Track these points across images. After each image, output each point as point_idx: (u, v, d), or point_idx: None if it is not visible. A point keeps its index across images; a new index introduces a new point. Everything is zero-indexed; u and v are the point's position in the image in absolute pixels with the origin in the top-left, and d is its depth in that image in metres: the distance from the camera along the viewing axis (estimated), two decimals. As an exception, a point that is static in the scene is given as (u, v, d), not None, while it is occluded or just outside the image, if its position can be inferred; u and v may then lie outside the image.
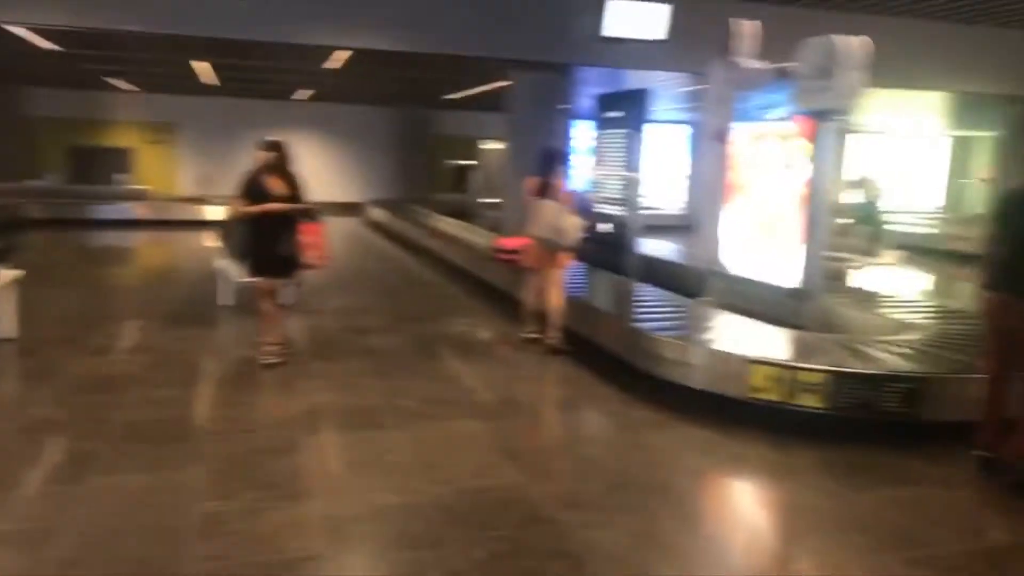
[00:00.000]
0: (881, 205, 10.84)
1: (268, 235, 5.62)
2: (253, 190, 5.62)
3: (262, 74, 15.11)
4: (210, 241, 8.31)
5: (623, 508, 3.63)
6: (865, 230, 9.86)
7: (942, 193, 24.44)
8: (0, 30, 9.82)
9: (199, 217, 16.18)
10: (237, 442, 4.29)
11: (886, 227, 10.29)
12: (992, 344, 4.21)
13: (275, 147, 5.74)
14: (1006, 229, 4.07)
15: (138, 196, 17.77)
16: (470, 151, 18.77)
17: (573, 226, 6.40)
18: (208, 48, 11.61)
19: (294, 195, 5.73)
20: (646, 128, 8.53)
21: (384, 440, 4.41)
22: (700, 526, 3.57)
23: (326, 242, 6.01)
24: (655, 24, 8.57)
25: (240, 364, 5.89)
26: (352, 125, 22.66)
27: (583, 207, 6.73)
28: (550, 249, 6.49)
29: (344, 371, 5.80)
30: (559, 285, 6.56)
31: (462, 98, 17.71)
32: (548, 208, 6.44)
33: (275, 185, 5.63)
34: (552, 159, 6.62)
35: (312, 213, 5.90)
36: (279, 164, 5.71)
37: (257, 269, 5.84)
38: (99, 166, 20.13)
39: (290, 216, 5.68)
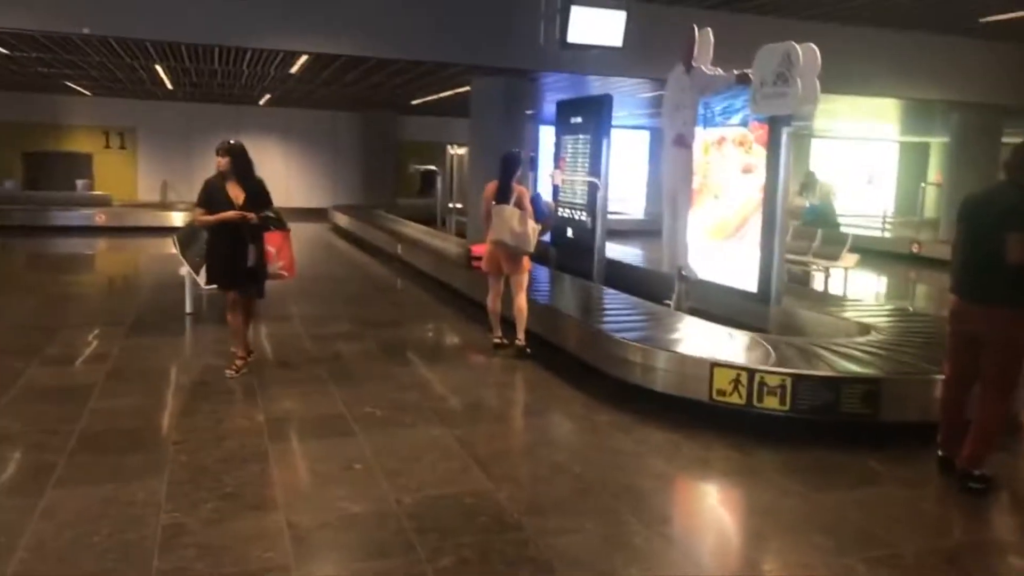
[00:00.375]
0: (834, 207, 11.07)
1: (227, 245, 5.39)
2: (211, 198, 5.37)
3: (221, 79, 14.92)
4: (172, 248, 8.16)
5: (590, 512, 3.65)
6: (819, 232, 10.05)
7: (892, 197, 25.05)
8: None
9: (161, 223, 15.91)
10: (199, 452, 4.22)
11: (841, 229, 10.50)
12: (951, 347, 4.26)
13: (232, 151, 5.40)
14: (966, 234, 4.12)
15: (99, 202, 17.40)
16: (437, 156, 18.73)
17: (533, 230, 6.42)
18: (164, 52, 11.43)
19: (256, 202, 5.46)
20: (608, 133, 8.58)
21: (350, 448, 4.37)
22: (666, 529, 3.60)
23: (293, 252, 5.79)
24: (613, 31, 8.66)
25: (203, 372, 5.81)
26: (316, 130, 22.53)
27: (543, 211, 6.68)
28: (511, 254, 6.50)
29: (310, 378, 5.75)
30: (523, 289, 6.58)
31: (428, 103, 17.67)
32: (507, 212, 6.45)
33: (234, 192, 5.38)
34: (512, 163, 6.56)
35: (277, 221, 5.63)
36: (238, 169, 5.42)
37: (217, 280, 5.66)
38: (58, 171, 19.69)
39: (252, 225, 5.41)
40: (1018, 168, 4.01)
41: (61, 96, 19.43)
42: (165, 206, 18.55)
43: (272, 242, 5.55)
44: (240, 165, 5.42)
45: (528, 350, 6.50)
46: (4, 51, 11.30)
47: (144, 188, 20.97)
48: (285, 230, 5.67)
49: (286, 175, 22.50)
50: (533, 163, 7.01)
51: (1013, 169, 4.04)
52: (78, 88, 17.63)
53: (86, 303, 8.71)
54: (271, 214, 5.59)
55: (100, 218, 16.12)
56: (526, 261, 6.57)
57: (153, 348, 6.50)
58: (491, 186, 6.62)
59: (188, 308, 7.87)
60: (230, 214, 5.30)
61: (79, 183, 18.82)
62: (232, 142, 5.47)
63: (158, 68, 13.44)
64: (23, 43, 10.56)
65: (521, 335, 6.57)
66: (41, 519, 3.38)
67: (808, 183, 11.13)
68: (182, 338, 7.04)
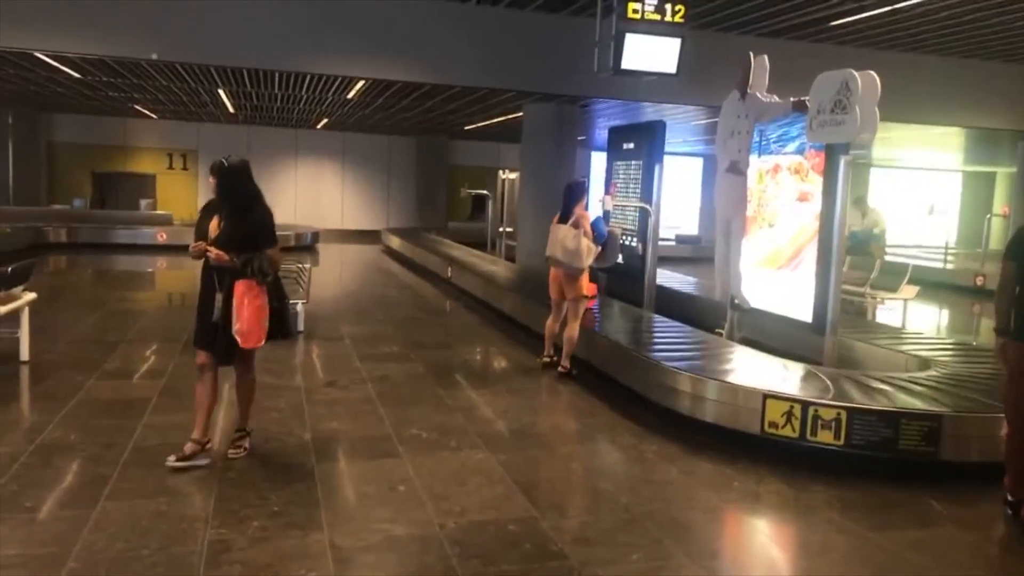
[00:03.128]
0: (879, 236, 10.77)
1: (202, 289, 4.36)
2: (198, 225, 4.36)
3: (281, 103, 15.31)
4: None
5: (636, 544, 3.57)
6: (877, 262, 9.79)
7: (956, 228, 24.36)
8: (28, 58, 10.05)
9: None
10: (247, 469, 4.27)
11: (887, 257, 10.21)
12: (1015, 395, 3.99)
13: (218, 171, 4.29)
14: None
15: (161, 221, 17.95)
16: (488, 180, 18.90)
17: (589, 250, 6.44)
18: (227, 77, 11.79)
19: (240, 238, 4.20)
20: (660, 160, 8.54)
21: (396, 469, 4.37)
22: (714, 564, 3.50)
23: (261, 314, 4.22)
24: (668, 58, 8.64)
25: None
26: (371, 153, 22.94)
27: (601, 232, 6.68)
28: (566, 274, 6.53)
29: (358, 399, 5.79)
30: (578, 317, 6.58)
31: (481, 128, 17.86)
32: (563, 231, 6.53)
33: (216, 222, 4.30)
34: (574, 191, 6.74)
35: (257, 269, 4.18)
36: (222, 193, 4.32)
37: (195, 333, 4.46)
38: (124, 191, 20.43)
39: (224, 269, 4.20)
40: None
41: (128, 119, 20.22)
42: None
43: (237, 294, 4.17)
44: (224, 188, 4.30)
45: (574, 372, 6.56)
46: (77, 75, 11.80)
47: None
48: (261, 282, 4.21)
49: (341, 198, 22.94)
50: (584, 188, 6.99)
51: None
52: (144, 111, 18.30)
53: (145, 319, 8.93)
54: (256, 260, 4.18)
55: (161, 236, 16.60)
56: (585, 288, 6.60)
57: (207, 365, 6.62)
58: (556, 216, 6.77)
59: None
60: (197, 247, 4.22)
61: (143, 203, 19.47)
62: (226, 159, 4.31)
63: (220, 92, 13.87)
64: (95, 68, 11.01)
65: (566, 362, 6.59)
66: (93, 530, 3.45)
67: (856, 202, 10.83)
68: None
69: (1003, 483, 4.10)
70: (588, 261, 6.49)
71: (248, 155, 19.24)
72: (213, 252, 4.15)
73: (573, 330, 6.60)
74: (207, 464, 4.26)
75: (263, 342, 4.29)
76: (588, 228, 6.50)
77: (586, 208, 6.70)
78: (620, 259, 9.12)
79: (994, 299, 4.09)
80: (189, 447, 4.29)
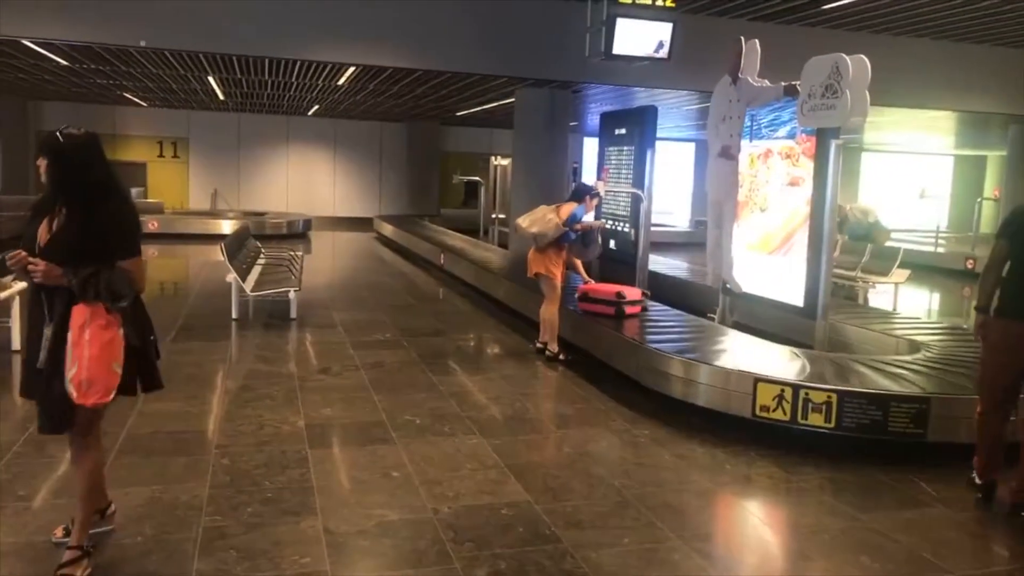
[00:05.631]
0: (879, 221, 10.79)
1: (28, 324, 3.10)
2: (27, 227, 2.99)
3: (271, 90, 15.22)
4: (220, 255, 8.32)
5: (628, 527, 3.60)
6: (868, 247, 9.83)
7: (947, 211, 24.43)
8: (15, 45, 9.96)
9: (211, 231, 16.28)
10: (241, 456, 4.28)
11: (889, 244, 10.26)
12: (994, 374, 3.95)
13: (51, 148, 2.89)
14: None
15: (152, 210, 17.86)
16: (480, 167, 18.89)
17: (552, 224, 6.47)
18: (217, 64, 11.71)
19: (78, 246, 2.85)
20: (652, 145, 8.53)
21: (389, 455, 4.39)
22: (706, 546, 3.53)
23: (108, 350, 2.84)
24: (659, 43, 8.63)
25: (247, 378, 5.90)
26: (363, 140, 22.85)
27: (574, 216, 6.63)
28: (536, 250, 6.65)
29: (352, 385, 5.80)
30: (549, 299, 6.67)
31: (472, 114, 17.81)
32: (542, 209, 6.67)
33: (47, 223, 2.93)
34: (575, 191, 6.89)
35: (99, 286, 2.82)
36: (56, 183, 2.92)
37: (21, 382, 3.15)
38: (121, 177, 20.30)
39: (55, 290, 2.86)
40: None
41: (118, 107, 20.08)
42: (215, 214, 18.96)
43: (75, 323, 2.81)
44: (59, 174, 2.91)
45: (562, 356, 6.60)
46: (65, 63, 11.70)
47: (195, 196, 21.48)
48: (112, 308, 2.85)
49: (333, 185, 22.87)
50: (576, 174, 6.97)
51: None
52: (134, 99, 18.18)
53: (137, 308, 8.91)
54: (104, 276, 2.83)
55: (152, 225, 16.53)
56: (547, 269, 6.62)
57: (199, 353, 6.63)
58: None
59: (234, 314, 8.01)
60: (14, 258, 2.84)
61: (133, 191, 19.35)
62: (62, 131, 2.92)
63: (210, 79, 13.78)
64: (83, 55, 10.92)
65: (553, 345, 6.70)
66: (87, 518, 3.45)
67: (841, 218, 10.74)
68: (227, 343, 7.16)
69: (973, 463, 4.09)
70: (541, 232, 6.51)
71: (239, 143, 18.85)
72: (38, 266, 2.80)
73: (546, 311, 6.70)
74: (111, 530, 3.32)
75: (110, 398, 2.87)
76: (563, 213, 6.56)
77: (582, 203, 6.76)
78: (612, 245, 9.14)
79: (980, 276, 4.09)
80: (59, 531, 3.23)
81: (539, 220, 6.55)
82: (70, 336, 2.80)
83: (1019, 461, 3.85)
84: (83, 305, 2.81)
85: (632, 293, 6.71)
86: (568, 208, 6.59)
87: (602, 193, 9.30)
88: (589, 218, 7.33)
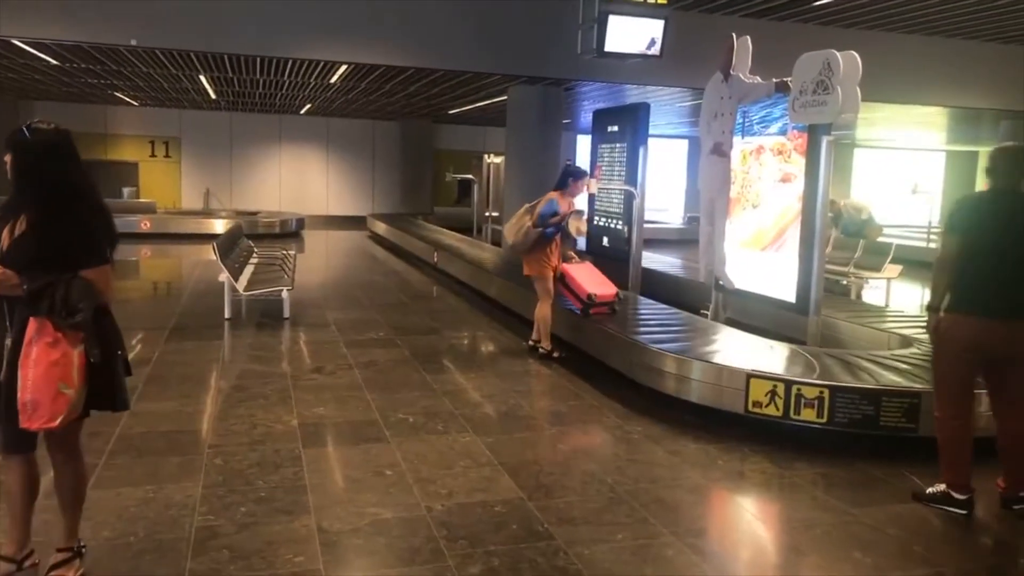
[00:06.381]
0: (873, 218, 10.80)
1: None
2: None
3: (263, 88, 15.18)
4: (212, 255, 8.30)
5: (622, 523, 3.61)
6: (860, 243, 9.86)
7: (939, 207, 24.50)
8: (4, 44, 9.91)
9: (203, 230, 16.23)
10: (234, 456, 4.27)
11: (881, 240, 10.28)
12: (959, 375, 3.82)
13: (15, 145, 2.72)
14: (979, 246, 3.72)
15: (144, 209, 17.80)
16: (473, 165, 18.88)
17: (524, 231, 6.47)
18: (208, 63, 11.67)
19: (33, 252, 2.65)
20: (645, 142, 8.54)
21: (383, 454, 4.39)
22: (699, 542, 3.53)
23: (54, 372, 2.59)
24: (651, 40, 8.64)
25: (239, 377, 5.89)
26: (355, 139, 22.81)
27: (542, 214, 6.54)
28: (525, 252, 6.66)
29: (345, 384, 5.79)
30: (540, 296, 6.69)
31: (465, 112, 17.79)
32: (519, 212, 6.65)
33: (6, 232, 2.70)
34: (563, 177, 6.79)
35: (54, 298, 2.60)
36: (21, 183, 2.74)
37: None
38: (105, 180, 20.19)
39: (14, 300, 2.68)
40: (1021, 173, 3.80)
41: (109, 106, 20.00)
42: (207, 214, 18.90)
43: (26, 338, 2.61)
44: (25, 173, 2.73)
45: (555, 354, 6.63)
46: (55, 62, 11.65)
47: (187, 196, 21.42)
48: (62, 324, 2.61)
49: (326, 184, 22.83)
50: (568, 173, 6.93)
51: (1014, 175, 3.81)
52: (125, 98, 18.11)
53: (130, 308, 8.88)
54: (60, 286, 2.61)
55: (145, 225, 16.48)
56: (538, 271, 6.63)
57: (192, 353, 6.61)
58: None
59: (227, 314, 8.00)
60: None
61: (125, 191, 19.30)
62: (28, 127, 2.75)
63: (202, 78, 13.74)
64: (73, 54, 10.87)
65: (545, 343, 6.71)
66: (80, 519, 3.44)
67: (835, 214, 10.72)
68: (220, 343, 7.15)
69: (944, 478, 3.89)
70: (518, 241, 6.52)
71: (231, 142, 18.86)
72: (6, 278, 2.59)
73: (539, 310, 6.72)
74: None
75: (56, 423, 2.60)
76: (536, 212, 6.53)
77: (566, 188, 6.68)
78: (606, 242, 9.14)
79: (932, 273, 3.92)
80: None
81: (514, 227, 6.54)
82: (22, 352, 2.60)
83: (997, 456, 3.86)
84: (33, 319, 2.60)
85: (605, 293, 6.62)
86: (541, 205, 6.56)
87: (594, 191, 9.32)
88: (584, 199, 7.29)
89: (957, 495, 3.83)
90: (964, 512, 3.81)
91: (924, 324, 3.99)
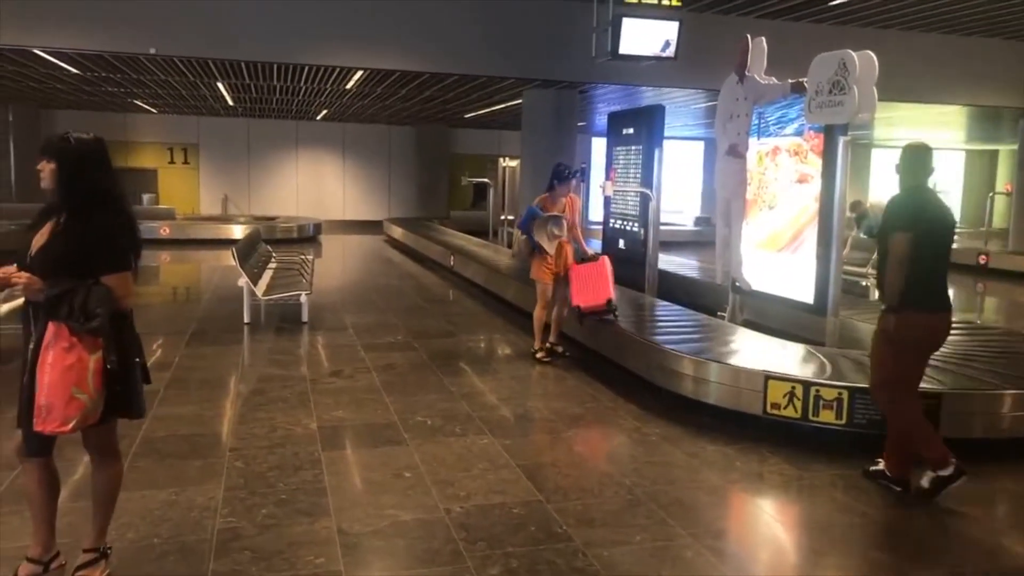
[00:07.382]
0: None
1: (24, 340, 2.81)
2: (26, 236, 2.86)
3: (280, 95, 15.30)
4: (231, 260, 8.38)
5: (640, 525, 3.62)
6: (865, 240, 9.79)
7: (958, 206, 24.26)
8: (27, 54, 10.06)
9: (222, 236, 16.38)
10: (255, 459, 4.32)
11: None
12: (919, 367, 4.07)
13: (59, 151, 2.78)
14: (934, 246, 3.93)
15: (163, 215, 17.99)
16: (489, 168, 18.93)
17: (517, 239, 6.58)
18: (226, 70, 11.79)
19: (60, 256, 2.71)
20: (660, 144, 8.54)
21: (401, 456, 4.42)
22: (718, 543, 3.54)
23: (69, 376, 2.62)
24: (666, 41, 8.64)
25: (259, 381, 5.94)
26: (371, 144, 22.94)
27: (522, 219, 6.62)
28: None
29: (363, 388, 5.83)
30: (538, 299, 6.79)
31: (480, 116, 17.84)
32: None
33: (42, 232, 2.80)
34: (555, 175, 6.73)
35: (73, 304, 2.62)
36: (63, 189, 2.79)
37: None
38: (126, 186, 20.43)
39: (39, 306, 2.69)
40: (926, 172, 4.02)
41: (128, 114, 20.23)
42: (226, 219, 19.06)
43: (45, 342, 2.65)
44: (65, 178, 2.78)
45: (559, 350, 6.84)
46: (76, 71, 11.81)
47: (206, 202, 21.62)
48: (79, 329, 2.63)
49: (343, 188, 22.97)
50: (584, 175, 6.90)
51: (919, 174, 4.03)
52: (144, 106, 18.31)
53: (151, 312, 8.98)
54: (79, 293, 2.64)
55: (164, 231, 16.65)
56: (537, 275, 6.72)
57: (212, 357, 6.68)
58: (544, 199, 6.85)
59: (246, 318, 8.07)
60: (2, 274, 2.73)
61: (145, 197, 19.53)
62: (68, 136, 2.82)
63: (220, 85, 13.87)
64: (93, 63, 11.02)
65: (536, 343, 6.85)
66: (104, 521, 3.49)
67: (860, 215, 10.64)
68: (240, 347, 7.22)
69: (927, 460, 3.95)
70: (524, 253, 6.64)
71: (248, 148, 19.03)
72: (19, 278, 2.67)
73: (536, 313, 6.85)
74: None
75: (68, 427, 2.63)
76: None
77: (552, 190, 6.70)
78: (622, 244, 9.14)
79: (887, 273, 3.91)
80: (24, 570, 2.89)
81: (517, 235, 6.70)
82: (40, 356, 2.65)
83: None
84: (51, 324, 2.64)
85: (591, 305, 6.46)
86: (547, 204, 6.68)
87: (610, 194, 9.32)
88: (600, 201, 7.31)
89: (945, 472, 3.85)
90: (953, 484, 3.82)
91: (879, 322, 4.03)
